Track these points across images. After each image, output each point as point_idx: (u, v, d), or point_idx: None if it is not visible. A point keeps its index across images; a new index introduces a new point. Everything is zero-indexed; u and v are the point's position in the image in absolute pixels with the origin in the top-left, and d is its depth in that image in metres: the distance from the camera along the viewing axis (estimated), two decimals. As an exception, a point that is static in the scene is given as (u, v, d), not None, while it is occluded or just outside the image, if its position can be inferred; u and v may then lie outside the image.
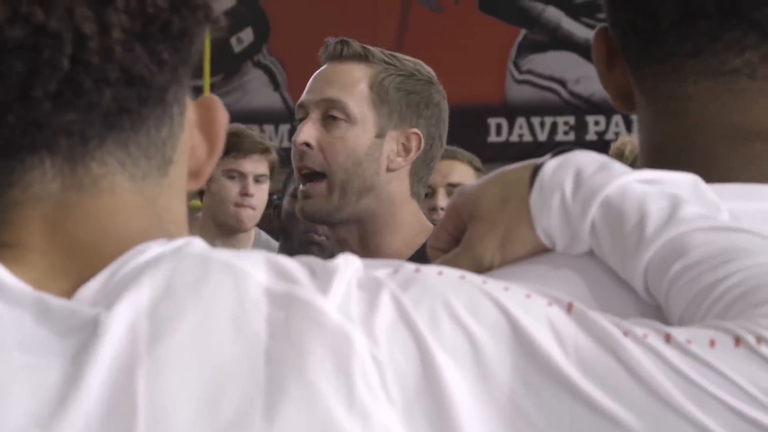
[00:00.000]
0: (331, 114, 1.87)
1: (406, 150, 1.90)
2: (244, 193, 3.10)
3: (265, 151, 3.16)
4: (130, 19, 0.70)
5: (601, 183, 0.81)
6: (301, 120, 1.91)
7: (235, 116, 0.81)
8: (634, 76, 0.91)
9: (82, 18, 0.69)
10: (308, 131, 1.86)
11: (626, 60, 0.92)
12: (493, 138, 7.55)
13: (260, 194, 3.15)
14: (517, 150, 7.21)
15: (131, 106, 0.73)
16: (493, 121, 7.59)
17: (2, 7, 0.68)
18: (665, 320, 0.78)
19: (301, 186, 1.88)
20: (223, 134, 0.80)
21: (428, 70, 1.96)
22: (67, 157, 0.73)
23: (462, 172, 3.07)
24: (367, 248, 1.86)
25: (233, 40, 7.85)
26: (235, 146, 3.06)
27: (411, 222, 1.92)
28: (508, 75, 7.61)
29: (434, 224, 1.99)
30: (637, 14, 0.89)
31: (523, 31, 7.59)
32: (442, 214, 3.10)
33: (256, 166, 3.13)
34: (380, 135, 1.88)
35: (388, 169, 1.88)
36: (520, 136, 7.56)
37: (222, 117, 0.79)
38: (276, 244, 3.26)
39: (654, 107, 0.91)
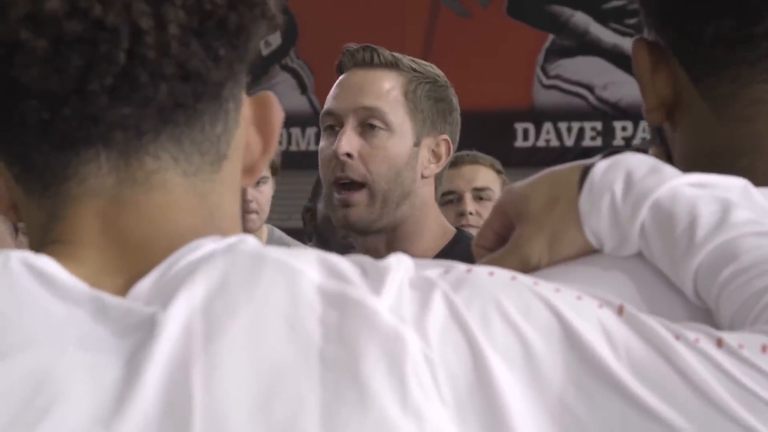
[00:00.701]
0: (370, 123, 1.87)
1: (436, 156, 1.92)
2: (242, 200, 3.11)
3: None
4: (187, 15, 0.71)
5: (651, 185, 0.81)
6: (329, 128, 1.91)
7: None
8: (697, 83, 0.91)
9: (139, 13, 0.69)
10: (349, 141, 1.86)
11: (686, 68, 0.91)
12: (519, 143, 7.53)
13: (261, 196, 3.17)
14: (543, 155, 7.20)
15: (186, 101, 0.73)
16: (519, 126, 7.58)
17: (61, 1, 0.69)
18: (714, 323, 0.78)
19: (336, 194, 1.88)
20: (278, 131, 0.80)
21: (442, 73, 1.97)
22: (122, 151, 0.73)
23: (486, 176, 3.09)
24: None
25: (261, 44, 7.88)
26: None
27: (436, 226, 1.94)
28: (536, 80, 7.59)
29: (461, 230, 2.02)
30: (724, 21, 0.89)
31: (551, 37, 7.57)
32: (470, 218, 3.11)
33: None
34: (417, 143, 1.90)
35: (422, 176, 1.90)
36: (547, 141, 7.54)
37: (277, 114, 0.79)
38: (291, 240, 3.27)
39: (721, 112, 0.91)
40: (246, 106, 0.78)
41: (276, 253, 0.72)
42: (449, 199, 3.20)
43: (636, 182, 0.82)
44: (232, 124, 0.77)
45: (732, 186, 0.82)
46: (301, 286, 0.70)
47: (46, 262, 0.71)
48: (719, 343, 0.71)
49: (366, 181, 1.86)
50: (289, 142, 7.39)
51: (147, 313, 0.69)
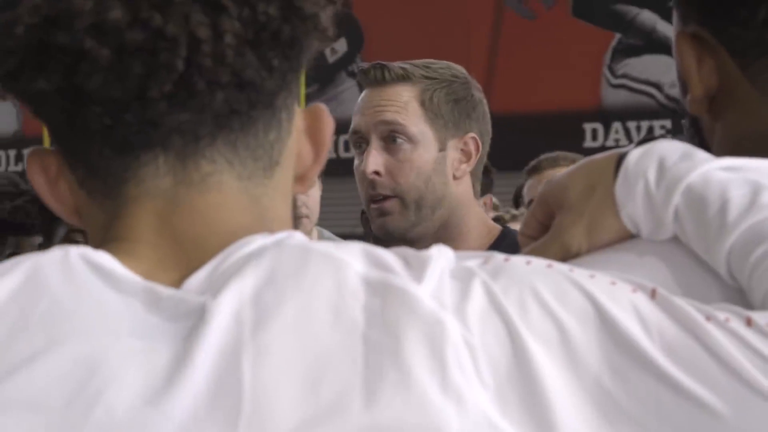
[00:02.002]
0: (392, 137, 1.94)
1: (466, 155, 1.97)
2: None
3: None
4: (242, 26, 0.74)
5: (683, 171, 0.83)
6: (357, 144, 1.99)
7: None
8: (745, 69, 0.93)
9: (197, 23, 0.73)
10: (375, 160, 1.94)
11: (734, 54, 0.93)
12: (588, 143, 7.51)
13: (310, 200, 3.21)
14: (613, 155, 7.17)
15: (241, 108, 0.76)
16: (588, 127, 7.55)
17: (124, 12, 0.73)
18: (749, 303, 0.80)
19: (372, 204, 1.95)
20: (329, 142, 0.83)
21: (461, 69, 2.02)
22: (179, 154, 0.77)
23: None
24: None
25: (327, 51, 7.95)
26: None
27: (478, 225, 2.00)
28: (603, 80, 7.56)
29: (506, 227, 2.05)
30: None
31: (617, 36, 7.54)
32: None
33: None
34: (442, 149, 1.96)
35: (454, 177, 1.96)
36: (617, 140, 7.50)
37: (329, 125, 0.83)
38: (340, 241, 3.32)
39: None
40: (299, 117, 0.82)
41: (322, 246, 0.75)
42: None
43: (668, 168, 0.84)
44: (285, 132, 0.80)
45: (763, 169, 0.84)
46: (345, 276, 0.73)
47: (102, 257, 0.75)
48: (748, 322, 0.73)
49: (396, 193, 1.93)
50: (358, 149, 7.45)
51: (198, 301, 0.73)
